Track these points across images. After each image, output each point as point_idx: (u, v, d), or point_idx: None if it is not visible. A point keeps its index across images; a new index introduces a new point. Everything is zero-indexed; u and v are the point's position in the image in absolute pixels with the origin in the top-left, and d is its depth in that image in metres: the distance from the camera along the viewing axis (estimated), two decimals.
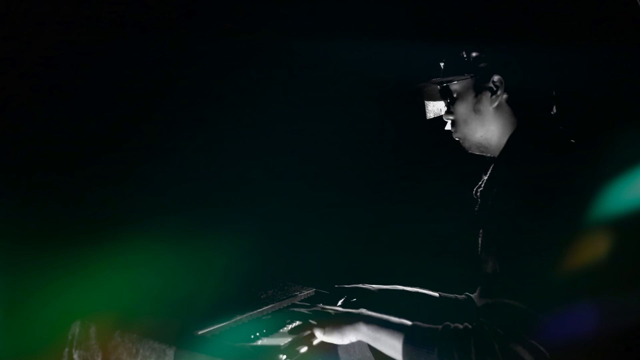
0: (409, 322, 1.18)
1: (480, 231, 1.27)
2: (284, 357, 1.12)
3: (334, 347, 1.32)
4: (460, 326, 1.11)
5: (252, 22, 2.20)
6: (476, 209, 1.33)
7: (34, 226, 1.55)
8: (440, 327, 1.13)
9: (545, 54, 1.30)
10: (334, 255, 2.42)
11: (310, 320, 1.25)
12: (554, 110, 1.29)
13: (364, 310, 1.25)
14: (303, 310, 1.35)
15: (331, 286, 1.61)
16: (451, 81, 1.31)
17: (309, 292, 1.67)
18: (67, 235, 1.58)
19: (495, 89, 1.27)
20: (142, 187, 1.82)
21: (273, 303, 1.46)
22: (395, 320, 1.19)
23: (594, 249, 1.07)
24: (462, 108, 1.31)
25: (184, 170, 2.01)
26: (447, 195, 1.52)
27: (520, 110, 1.28)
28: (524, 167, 1.15)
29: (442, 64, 1.37)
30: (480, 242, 1.25)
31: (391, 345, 1.16)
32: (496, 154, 1.31)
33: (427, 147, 1.37)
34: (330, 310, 1.27)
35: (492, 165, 1.33)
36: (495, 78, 1.27)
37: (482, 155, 1.37)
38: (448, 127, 1.39)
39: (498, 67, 1.27)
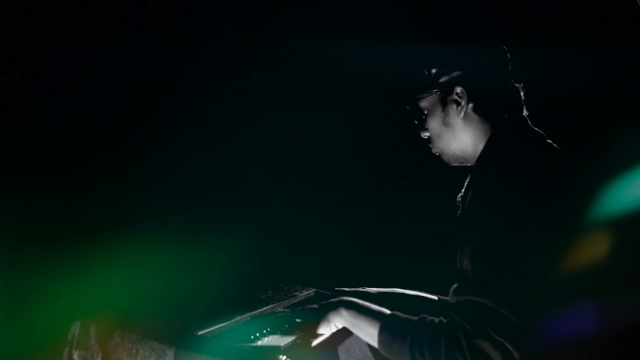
0: (387, 311, 1.21)
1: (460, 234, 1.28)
2: (284, 357, 1.12)
3: (334, 347, 1.32)
4: (436, 320, 1.13)
5: (252, 22, 2.20)
6: (458, 213, 1.33)
7: (34, 226, 1.55)
8: (416, 318, 1.15)
9: (543, 54, 1.30)
10: (334, 255, 2.42)
11: (297, 319, 1.29)
12: (525, 111, 1.29)
13: (345, 297, 1.29)
14: (287, 313, 1.39)
15: (331, 286, 1.61)
16: (418, 99, 1.33)
17: (309, 292, 1.67)
18: (67, 235, 1.57)
19: (459, 100, 1.28)
20: (142, 187, 1.82)
21: (273, 303, 1.46)
22: (375, 308, 1.23)
23: (593, 249, 1.07)
24: (433, 123, 1.33)
25: (184, 170, 2.01)
26: (447, 195, 1.52)
27: (494, 114, 1.28)
28: (514, 168, 1.15)
29: (406, 85, 1.38)
30: (458, 243, 1.26)
31: (368, 332, 1.19)
32: (474, 161, 1.32)
33: (427, 147, 1.37)
34: (312, 307, 1.31)
35: (471, 173, 1.34)
36: (458, 90, 1.28)
37: (463, 166, 1.38)
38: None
39: (460, 78, 1.28)
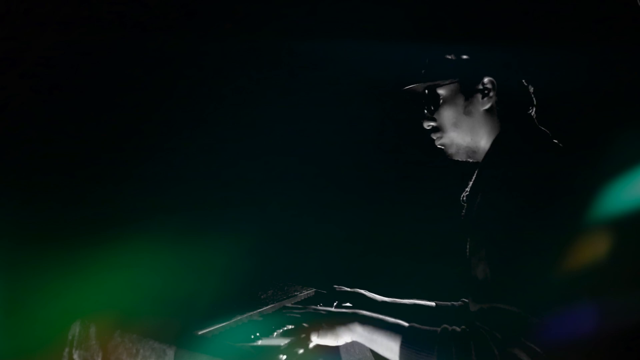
0: (405, 324, 1.17)
1: (468, 237, 1.26)
2: (284, 357, 1.12)
3: (334, 347, 1.32)
4: (458, 329, 1.11)
5: (252, 22, 2.21)
6: (463, 213, 1.32)
7: (34, 226, 1.55)
8: (438, 329, 1.12)
9: (543, 54, 1.30)
10: (334, 255, 2.42)
11: (303, 323, 1.24)
12: (533, 111, 1.29)
13: (358, 310, 1.25)
14: (295, 313, 1.34)
15: (331, 286, 1.61)
16: (438, 85, 1.29)
17: (309, 292, 1.67)
18: (67, 235, 1.58)
19: (486, 91, 1.26)
20: (142, 187, 1.83)
21: (273, 303, 1.46)
22: (392, 321, 1.18)
23: (594, 249, 1.07)
24: (450, 112, 1.29)
25: (184, 170, 2.01)
26: (447, 195, 1.52)
27: (503, 112, 1.27)
28: (515, 168, 1.15)
29: (424, 70, 1.35)
30: (468, 247, 1.25)
31: (388, 346, 1.15)
32: (480, 158, 1.31)
33: (427, 147, 1.36)
34: (322, 312, 1.26)
35: (478, 170, 1.33)
36: (486, 80, 1.25)
37: (467, 162, 1.36)
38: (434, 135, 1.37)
39: (488, 68, 1.26)
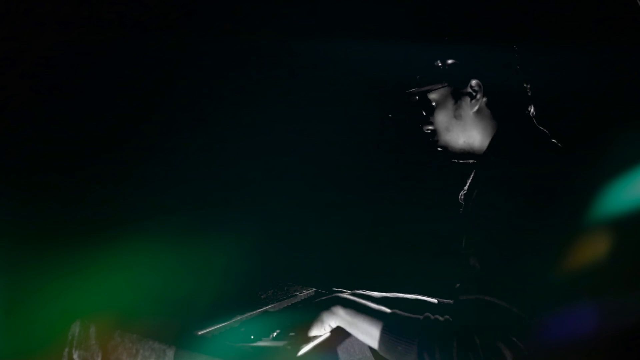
0: (388, 310, 1.17)
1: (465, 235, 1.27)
2: (284, 357, 1.12)
3: (333, 347, 1.32)
4: (441, 318, 1.11)
5: (252, 22, 2.21)
6: (460, 211, 1.32)
7: (34, 226, 1.55)
8: (421, 317, 1.12)
9: (543, 54, 1.30)
10: (334, 255, 2.42)
11: (287, 322, 1.25)
12: (532, 110, 1.29)
13: (341, 294, 1.25)
14: (276, 315, 1.34)
15: (331, 286, 1.61)
16: (428, 90, 1.32)
17: (309, 292, 1.67)
18: (67, 235, 1.58)
19: (474, 93, 1.28)
20: (142, 187, 1.83)
21: (273, 303, 1.46)
22: (374, 307, 1.18)
23: (593, 249, 1.07)
24: (442, 116, 1.32)
25: (184, 170, 2.01)
26: (447, 195, 1.52)
27: (500, 112, 1.28)
28: (515, 168, 1.15)
29: (418, 75, 1.37)
30: (463, 243, 1.25)
31: (368, 331, 1.15)
32: (478, 158, 1.32)
33: (427, 147, 1.37)
34: (301, 305, 1.26)
35: (475, 169, 1.34)
36: (473, 82, 1.27)
37: (466, 162, 1.37)
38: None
39: (475, 71, 1.28)
